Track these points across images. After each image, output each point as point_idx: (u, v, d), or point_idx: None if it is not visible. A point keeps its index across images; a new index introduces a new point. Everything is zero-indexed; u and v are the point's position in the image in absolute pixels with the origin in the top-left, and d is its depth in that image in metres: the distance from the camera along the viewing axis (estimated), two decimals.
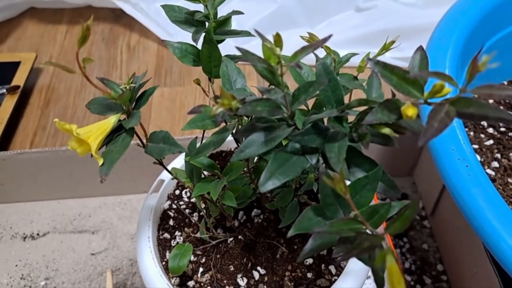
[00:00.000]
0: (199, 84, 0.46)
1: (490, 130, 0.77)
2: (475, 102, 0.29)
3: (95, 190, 0.84)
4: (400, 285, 0.26)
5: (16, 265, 0.77)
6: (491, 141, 0.75)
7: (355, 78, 0.43)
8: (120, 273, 0.76)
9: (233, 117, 0.40)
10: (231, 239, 0.53)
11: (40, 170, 0.79)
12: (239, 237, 0.53)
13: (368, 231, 0.32)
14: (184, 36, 1.11)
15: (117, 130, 0.41)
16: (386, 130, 0.33)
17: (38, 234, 0.81)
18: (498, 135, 0.76)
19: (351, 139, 0.36)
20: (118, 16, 1.19)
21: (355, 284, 0.49)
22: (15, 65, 1.02)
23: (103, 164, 0.37)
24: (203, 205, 0.55)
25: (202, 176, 0.47)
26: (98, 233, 0.81)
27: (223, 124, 0.40)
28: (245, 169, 0.50)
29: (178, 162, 0.59)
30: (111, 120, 0.38)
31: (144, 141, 0.44)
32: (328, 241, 0.35)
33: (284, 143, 0.37)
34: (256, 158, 0.51)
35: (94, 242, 0.80)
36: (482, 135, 0.76)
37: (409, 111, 0.29)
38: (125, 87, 0.37)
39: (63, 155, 0.76)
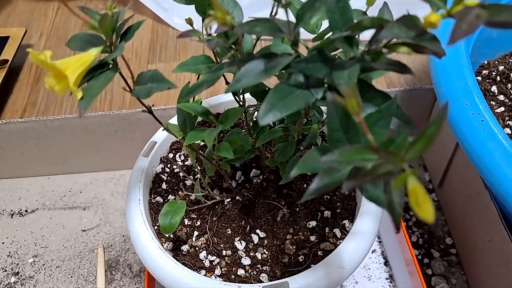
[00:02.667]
0: (191, 25, 0.42)
1: (501, 97, 0.73)
2: (506, 8, 0.25)
3: (86, 166, 0.80)
4: (426, 203, 0.22)
5: (3, 243, 0.73)
6: (502, 108, 0.71)
7: (364, 13, 0.39)
8: (112, 250, 0.72)
9: (228, 50, 0.36)
10: (228, 200, 0.49)
11: (28, 142, 0.75)
12: (237, 197, 0.49)
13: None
14: (179, 10, 1.07)
15: (99, 68, 0.37)
16: (404, 49, 0.29)
17: (26, 211, 0.77)
18: (510, 102, 0.72)
19: (361, 68, 0.32)
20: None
21: (363, 245, 0.45)
22: (3, 40, 0.98)
23: (82, 98, 0.33)
24: (198, 167, 0.51)
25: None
26: (89, 209, 0.77)
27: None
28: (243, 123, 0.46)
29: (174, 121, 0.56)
30: (92, 53, 0.34)
31: (132, 85, 0.40)
32: (336, 180, 0.31)
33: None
34: (255, 113, 0.47)
35: (85, 218, 0.76)
36: (493, 102, 0.72)
37: (432, 17, 0.26)
38: (107, 13, 0.33)
39: (51, 125, 0.72)
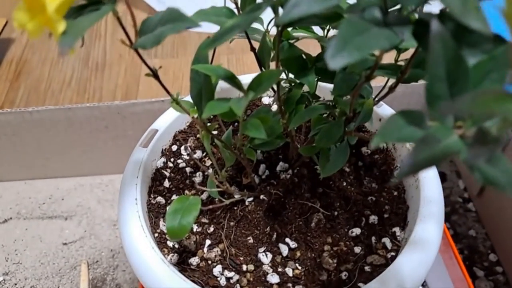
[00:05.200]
0: None
1: None
2: None
3: (70, 169, 0.69)
4: None
5: None
6: None
7: None
8: (98, 267, 0.61)
9: None
10: (250, 199, 0.39)
11: (1, 139, 0.64)
12: (261, 196, 0.39)
13: None
14: (175, 3, 0.98)
15: (90, 6, 0.27)
16: None
17: None
18: None
19: None
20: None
21: (426, 258, 0.35)
22: None
23: (65, 32, 0.23)
24: (211, 159, 0.41)
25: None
26: (72, 219, 0.66)
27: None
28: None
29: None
30: None
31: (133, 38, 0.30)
32: (439, 153, 0.21)
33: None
34: (287, 85, 0.37)
35: (67, 229, 0.65)
36: None
37: None
38: None
39: (30, 118, 0.62)
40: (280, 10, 0.31)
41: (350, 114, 0.33)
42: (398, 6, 0.25)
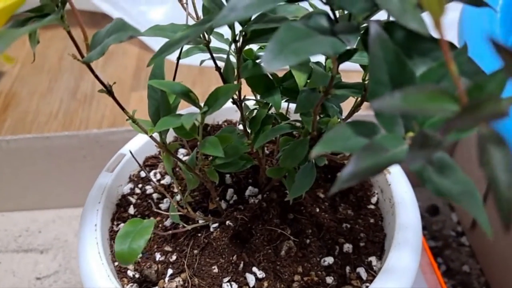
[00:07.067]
0: None
1: None
2: None
3: (49, 201, 0.67)
4: None
5: None
6: None
7: None
8: None
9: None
10: (215, 225, 0.37)
11: None
12: (227, 222, 0.37)
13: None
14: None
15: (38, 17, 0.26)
16: None
17: None
18: None
19: None
20: (97, 21, 1.07)
21: (401, 286, 0.33)
22: None
23: None
24: (177, 184, 0.39)
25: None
26: (48, 253, 0.63)
27: None
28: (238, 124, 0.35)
29: None
30: None
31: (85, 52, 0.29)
32: (384, 161, 0.19)
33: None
34: (256, 107, 0.36)
35: (42, 263, 0.62)
36: None
37: None
38: None
39: (6, 147, 0.60)
40: (237, 25, 0.30)
41: (313, 132, 0.31)
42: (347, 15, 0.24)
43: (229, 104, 0.46)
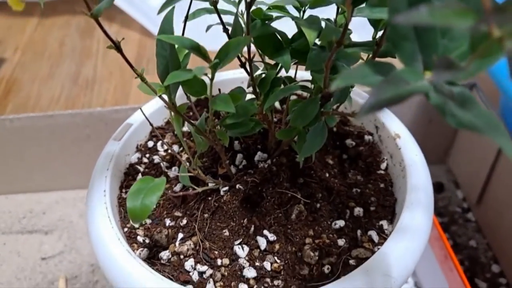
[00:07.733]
0: None
1: None
2: None
3: (53, 183, 0.67)
4: None
5: None
6: None
7: None
8: (77, 282, 0.58)
9: None
10: (225, 188, 0.36)
11: None
12: (237, 186, 0.36)
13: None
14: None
15: None
16: None
17: None
18: None
19: None
20: None
21: (415, 246, 0.32)
22: None
23: None
24: (185, 148, 0.38)
25: None
26: (52, 233, 0.63)
27: None
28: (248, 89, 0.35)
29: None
30: None
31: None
32: (405, 92, 0.19)
33: None
34: (263, 71, 0.36)
35: (47, 244, 0.62)
36: None
37: None
38: None
39: (10, 126, 0.60)
40: None
41: (325, 89, 0.31)
42: None
43: (235, 75, 0.46)
